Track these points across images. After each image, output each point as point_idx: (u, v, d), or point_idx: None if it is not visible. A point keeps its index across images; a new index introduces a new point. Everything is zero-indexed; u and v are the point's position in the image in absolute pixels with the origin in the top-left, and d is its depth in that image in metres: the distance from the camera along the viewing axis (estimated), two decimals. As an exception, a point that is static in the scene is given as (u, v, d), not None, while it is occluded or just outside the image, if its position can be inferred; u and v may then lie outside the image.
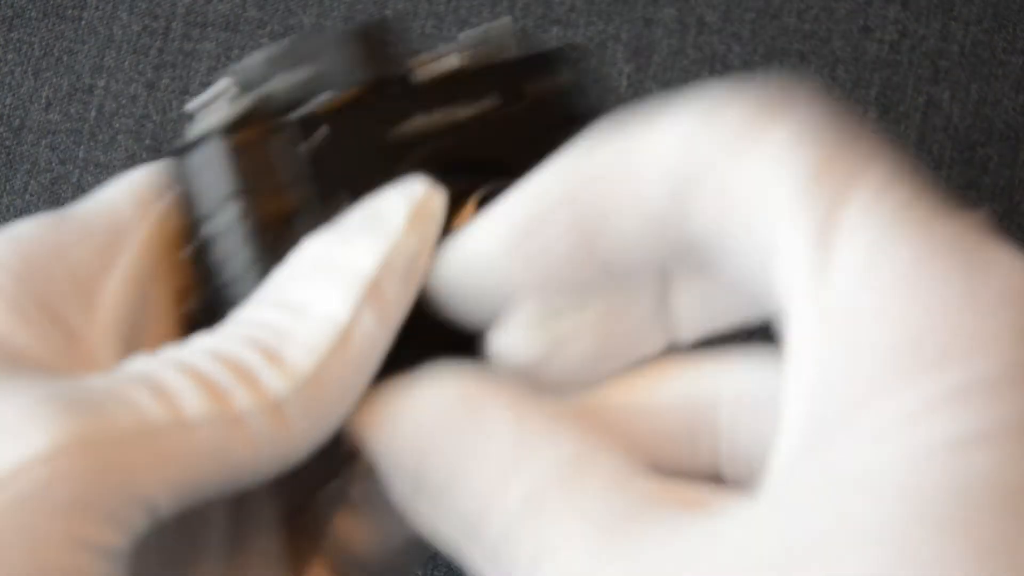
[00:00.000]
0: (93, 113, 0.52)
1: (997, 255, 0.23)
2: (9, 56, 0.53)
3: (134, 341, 0.28)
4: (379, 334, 0.26)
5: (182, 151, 0.29)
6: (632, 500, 0.24)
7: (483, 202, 0.29)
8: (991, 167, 0.50)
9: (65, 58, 0.53)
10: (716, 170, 0.24)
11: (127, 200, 0.29)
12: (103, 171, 0.52)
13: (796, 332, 0.23)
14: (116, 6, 0.53)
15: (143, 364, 0.26)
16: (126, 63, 0.53)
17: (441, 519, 0.26)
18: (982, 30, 0.51)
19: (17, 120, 0.52)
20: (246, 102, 0.29)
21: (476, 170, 0.30)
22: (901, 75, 0.51)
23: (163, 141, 0.52)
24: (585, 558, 0.23)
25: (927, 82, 0.51)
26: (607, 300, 0.27)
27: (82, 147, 0.52)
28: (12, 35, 0.53)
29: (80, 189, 0.51)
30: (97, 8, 0.53)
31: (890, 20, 0.52)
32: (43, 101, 0.52)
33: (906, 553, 0.21)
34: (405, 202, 0.27)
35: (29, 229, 0.28)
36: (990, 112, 0.51)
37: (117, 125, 0.52)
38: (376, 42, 0.31)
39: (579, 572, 0.23)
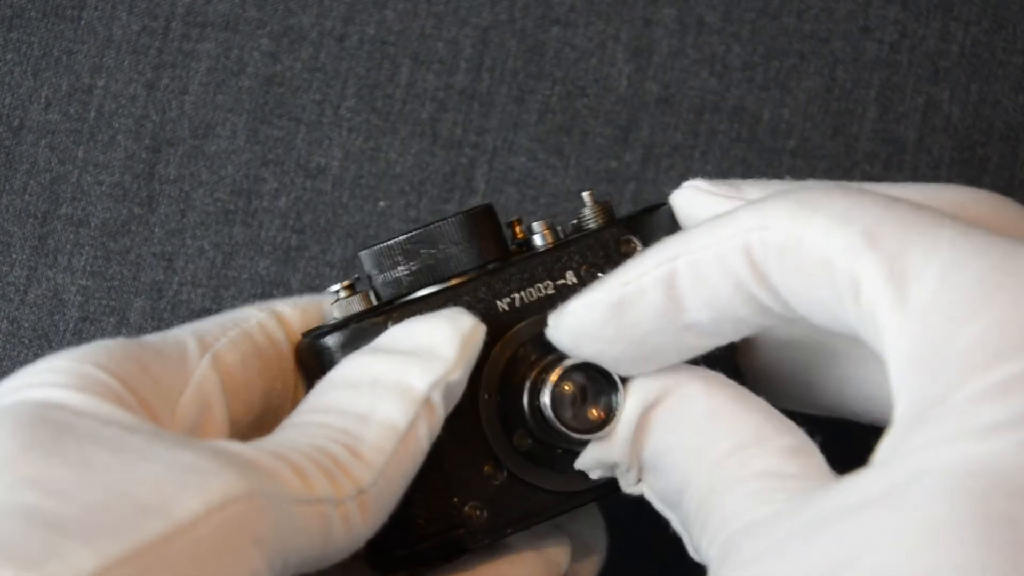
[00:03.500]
0: (92, 113, 0.52)
1: None
2: (8, 56, 0.53)
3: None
4: (427, 438, 0.33)
5: (315, 336, 0.36)
6: (788, 477, 0.30)
7: (566, 373, 0.35)
8: (991, 167, 0.50)
9: (64, 58, 0.53)
10: (784, 237, 0.30)
11: (190, 337, 0.35)
12: (102, 171, 0.52)
13: (888, 345, 0.28)
14: (115, 6, 0.53)
15: (266, 444, 0.31)
16: (125, 63, 0.52)
17: (652, 492, 0.33)
18: (982, 30, 0.51)
19: (16, 120, 0.52)
20: (358, 302, 0.36)
21: None
22: (901, 75, 0.51)
23: (162, 141, 0.52)
24: (756, 520, 0.29)
25: (927, 82, 0.51)
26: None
27: (81, 147, 0.52)
28: (11, 35, 0.53)
29: (79, 189, 0.51)
30: (96, 8, 0.53)
31: (890, 20, 0.52)
32: (42, 101, 0.52)
33: (928, 522, 0.25)
34: (456, 335, 0.34)
35: (116, 344, 0.33)
36: (990, 112, 0.51)
37: (116, 125, 0.52)
38: (481, 227, 0.37)
39: (754, 529, 0.29)
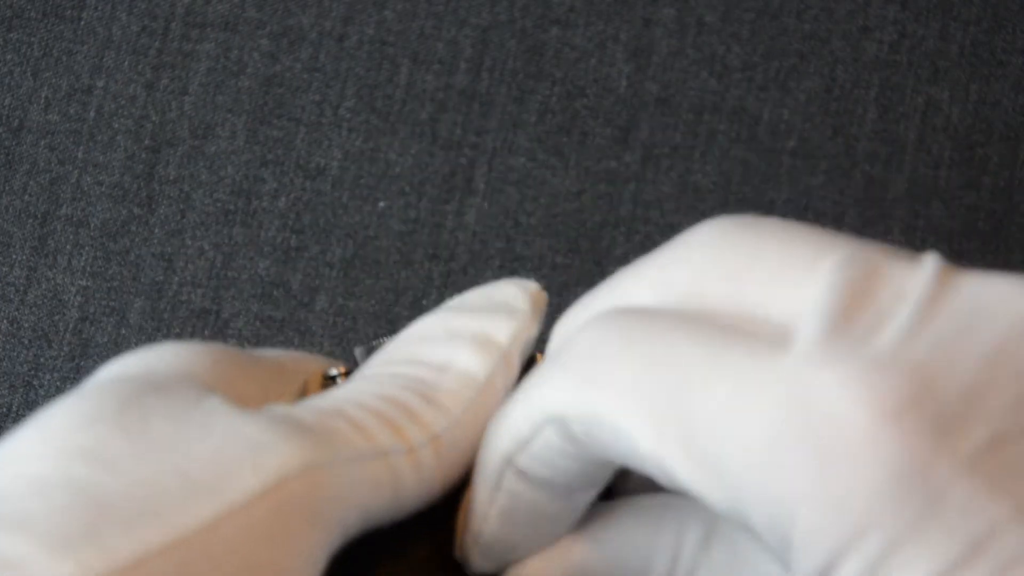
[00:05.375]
0: (92, 113, 0.52)
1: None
2: (8, 56, 0.53)
3: None
4: (503, 393, 0.31)
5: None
6: None
7: None
8: (991, 167, 0.50)
9: (64, 59, 0.53)
10: (581, 422, 0.28)
11: (286, 358, 0.34)
12: (102, 171, 0.52)
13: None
14: (115, 7, 0.53)
15: (327, 402, 0.29)
16: (125, 63, 0.52)
17: None
18: (982, 30, 0.51)
19: (16, 120, 0.52)
20: None
21: None
22: (901, 75, 0.51)
23: (162, 141, 0.52)
24: None
25: (927, 82, 0.51)
26: None
27: (81, 147, 0.52)
28: (11, 35, 0.53)
29: (79, 189, 0.51)
30: (96, 9, 0.53)
31: (890, 20, 0.52)
32: (42, 101, 0.52)
33: None
34: (526, 293, 0.33)
35: (229, 355, 0.32)
36: (990, 112, 0.51)
37: (116, 125, 0.52)
38: None
39: None
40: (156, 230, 0.51)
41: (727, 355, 0.26)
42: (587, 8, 0.52)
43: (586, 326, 0.29)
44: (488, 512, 0.31)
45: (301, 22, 0.53)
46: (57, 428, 0.27)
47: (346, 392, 0.30)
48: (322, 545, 0.27)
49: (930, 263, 0.25)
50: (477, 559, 0.32)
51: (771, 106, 0.51)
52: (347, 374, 0.35)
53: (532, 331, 0.32)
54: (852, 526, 0.24)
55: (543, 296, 0.33)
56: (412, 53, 0.52)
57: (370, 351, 0.35)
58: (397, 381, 0.31)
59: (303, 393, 0.34)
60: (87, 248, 0.51)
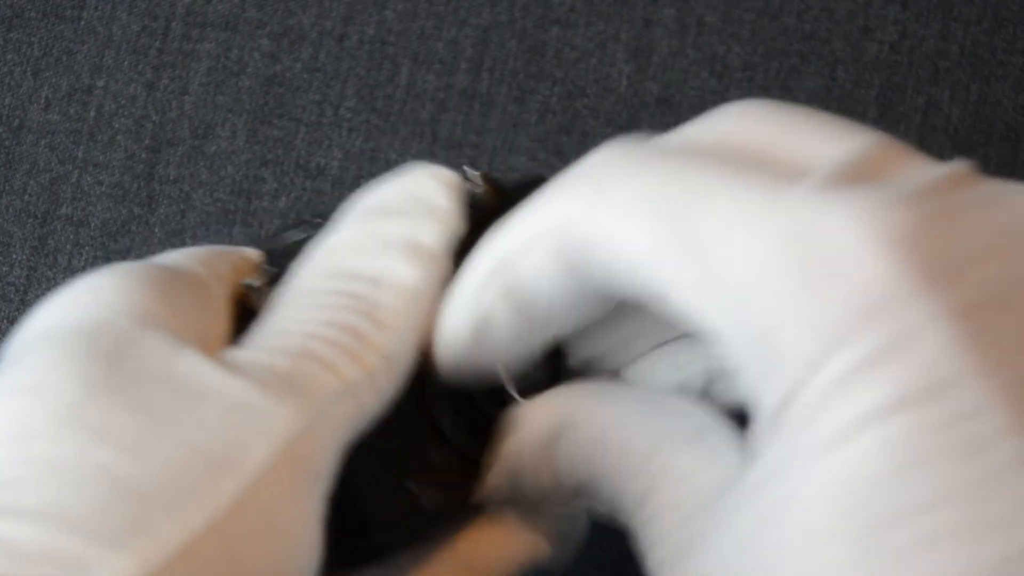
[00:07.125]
0: (92, 113, 0.52)
1: (832, 232, 0.25)
2: (8, 56, 0.53)
3: None
4: (439, 295, 0.32)
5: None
6: (691, 478, 0.29)
7: None
8: (991, 167, 0.50)
9: (64, 58, 0.53)
10: (585, 234, 0.29)
11: (200, 265, 0.33)
12: (102, 171, 0.52)
13: (723, 344, 0.27)
14: (115, 6, 0.53)
15: (289, 340, 0.29)
16: (125, 63, 0.52)
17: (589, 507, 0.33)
18: (982, 30, 0.51)
19: (16, 120, 0.52)
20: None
21: None
22: (901, 75, 0.51)
23: (162, 141, 0.52)
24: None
25: (927, 82, 0.51)
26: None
27: (81, 147, 0.52)
28: (11, 35, 0.53)
29: (79, 189, 0.51)
30: (96, 8, 0.53)
31: (890, 20, 0.52)
32: (42, 101, 0.52)
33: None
34: (446, 189, 0.32)
35: (148, 268, 0.31)
36: (990, 112, 0.51)
37: (116, 125, 0.52)
38: None
39: None
40: (156, 230, 0.51)
41: (736, 181, 0.27)
42: (587, 8, 0.52)
43: (595, 152, 0.29)
44: (460, 327, 0.32)
45: (301, 22, 0.53)
46: (54, 396, 0.26)
47: (297, 322, 0.30)
48: (324, 492, 0.28)
49: (956, 162, 0.26)
50: (445, 369, 0.32)
51: (771, 106, 0.51)
52: (267, 280, 0.33)
53: (458, 229, 0.32)
54: (827, 342, 0.24)
55: (459, 182, 0.33)
56: (413, 53, 0.52)
57: (279, 249, 0.34)
58: (340, 302, 0.30)
59: (230, 301, 0.32)
60: (87, 248, 0.51)
